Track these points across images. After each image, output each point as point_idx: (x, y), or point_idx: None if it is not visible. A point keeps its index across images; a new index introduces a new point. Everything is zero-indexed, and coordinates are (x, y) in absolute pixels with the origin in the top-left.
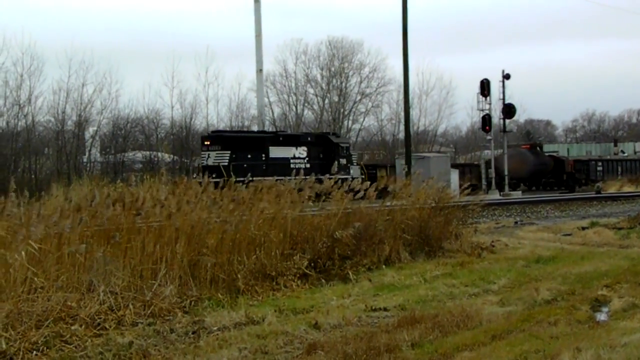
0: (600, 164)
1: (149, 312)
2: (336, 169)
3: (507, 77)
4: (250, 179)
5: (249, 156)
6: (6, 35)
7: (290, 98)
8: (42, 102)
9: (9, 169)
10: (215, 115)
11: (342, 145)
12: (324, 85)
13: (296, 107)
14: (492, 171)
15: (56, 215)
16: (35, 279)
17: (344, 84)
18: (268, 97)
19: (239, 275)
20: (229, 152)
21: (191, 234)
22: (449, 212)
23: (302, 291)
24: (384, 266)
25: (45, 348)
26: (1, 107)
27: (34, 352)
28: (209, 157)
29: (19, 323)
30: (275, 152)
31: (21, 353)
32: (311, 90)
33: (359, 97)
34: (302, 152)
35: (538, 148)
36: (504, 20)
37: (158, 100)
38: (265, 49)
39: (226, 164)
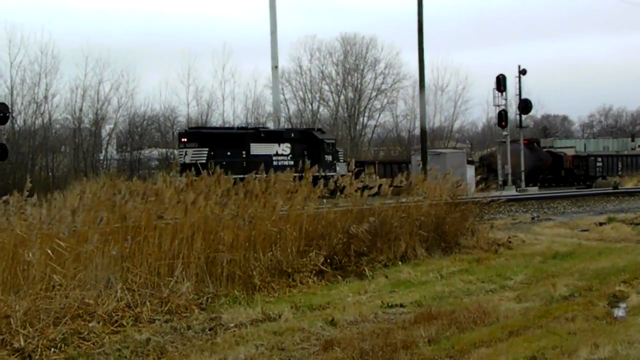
0: (599, 159)
1: (166, 309)
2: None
3: (523, 72)
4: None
5: (229, 153)
6: (23, 34)
7: (306, 95)
8: (59, 100)
9: (27, 167)
10: (232, 112)
11: (327, 141)
12: (339, 82)
13: (311, 103)
14: (509, 167)
15: (77, 213)
16: (54, 276)
17: (358, 81)
18: (283, 94)
19: (254, 272)
20: (207, 149)
21: (207, 230)
22: (465, 208)
23: (318, 288)
24: (400, 262)
25: (63, 345)
26: (18, 105)
27: (52, 349)
28: (186, 154)
29: (37, 320)
30: (257, 148)
31: (39, 350)
32: (326, 87)
33: (374, 94)
34: (285, 148)
35: (535, 144)
36: (520, 15)
37: (174, 98)
38: (280, 46)
39: (204, 161)
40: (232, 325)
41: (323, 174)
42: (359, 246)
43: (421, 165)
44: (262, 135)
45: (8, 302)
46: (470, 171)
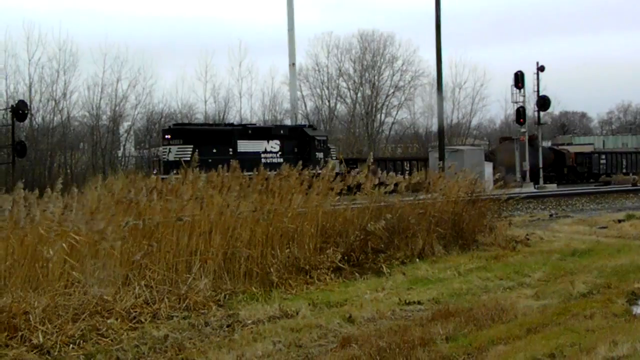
0: (603, 157)
1: (183, 305)
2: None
3: (541, 69)
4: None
5: (214, 151)
6: (42, 31)
7: (323, 92)
8: (77, 97)
9: (45, 164)
10: (249, 109)
11: (318, 138)
12: (356, 79)
13: (329, 100)
14: (527, 164)
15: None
16: (73, 273)
17: (376, 77)
18: (301, 91)
19: (272, 269)
20: (192, 146)
21: (224, 226)
22: (483, 205)
23: (336, 285)
24: (417, 260)
25: (81, 341)
26: (37, 102)
27: (71, 345)
28: (169, 151)
29: (56, 317)
30: (244, 146)
31: (58, 346)
32: (343, 84)
33: (391, 90)
34: (274, 146)
35: (535, 140)
36: (538, 11)
37: (191, 95)
38: (297, 43)
39: (188, 159)
40: (249, 321)
41: (313, 171)
42: (376, 243)
43: (439, 162)
44: (250, 132)
45: (27, 299)
46: (488, 168)
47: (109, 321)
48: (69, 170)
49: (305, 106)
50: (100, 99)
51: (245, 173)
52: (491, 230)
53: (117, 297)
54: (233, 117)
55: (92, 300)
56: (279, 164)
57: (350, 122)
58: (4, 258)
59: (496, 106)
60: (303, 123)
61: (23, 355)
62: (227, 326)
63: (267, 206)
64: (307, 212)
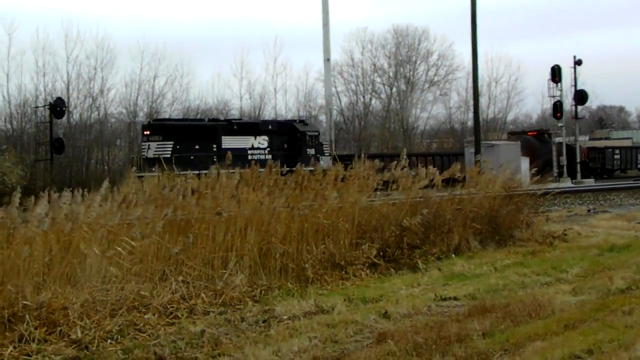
0: (617, 152)
1: (220, 301)
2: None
3: (578, 62)
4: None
5: (197, 147)
6: (80, 29)
7: (358, 87)
8: (114, 94)
9: (82, 161)
10: (284, 105)
11: (309, 133)
12: (391, 74)
13: (363, 96)
14: (564, 159)
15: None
16: (111, 268)
17: (411, 72)
18: (335, 87)
19: (307, 265)
20: (172, 142)
21: (259, 222)
22: (520, 201)
23: (371, 280)
24: (453, 255)
25: (119, 336)
26: (74, 99)
27: (108, 340)
28: (149, 148)
29: (94, 312)
30: (229, 142)
31: (96, 341)
32: (378, 79)
33: (426, 85)
34: (262, 142)
35: (546, 135)
36: (575, 4)
37: (227, 91)
38: (332, 39)
39: (168, 155)
40: (285, 317)
41: (305, 168)
42: (411, 239)
43: (474, 158)
44: (235, 127)
45: (66, 294)
46: (525, 163)
47: (146, 316)
48: (106, 167)
49: (340, 102)
50: (138, 95)
51: (231, 171)
52: (528, 226)
53: (154, 293)
54: (268, 114)
55: (129, 296)
56: (267, 160)
57: (385, 117)
58: (43, 254)
59: (532, 100)
60: (294, 118)
61: (62, 350)
62: (263, 322)
63: (302, 202)
64: (342, 207)
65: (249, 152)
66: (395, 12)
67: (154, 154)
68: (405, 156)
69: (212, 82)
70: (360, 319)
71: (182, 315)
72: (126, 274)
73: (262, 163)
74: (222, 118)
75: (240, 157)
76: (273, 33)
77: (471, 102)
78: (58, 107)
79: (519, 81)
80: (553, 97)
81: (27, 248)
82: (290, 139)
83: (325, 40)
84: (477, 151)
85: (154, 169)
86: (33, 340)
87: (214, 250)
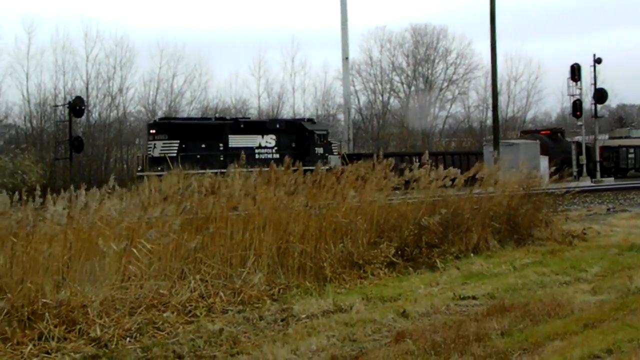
0: (632, 150)
1: (238, 299)
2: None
3: (598, 61)
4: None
5: (203, 146)
6: (99, 28)
7: (376, 86)
8: (133, 93)
9: (102, 159)
10: (302, 104)
11: (318, 132)
12: (409, 73)
13: (382, 95)
14: (584, 157)
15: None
16: (129, 266)
17: (429, 71)
18: (354, 86)
19: (325, 263)
20: (178, 141)
21: (277, 221)
22: (539, 199)
23: (390, 279)
24: (472, 254)
25: (138, 335)
26: (93, 98)
27: (127, 338)
28: (154, 147)
29: (113, 310)
30: (236, 141)
31: (115, 339)
32: (397, 78)
33: (445, 84)
34: (269, 140)
35: (559, 134)
36: (595, 3)
37: (245, 90)
38: (350, 37)
39: (174, 154)
40: (303, 316)
41: (312, 167)
42: (430, 238)
43: (494, 155)
44: (242, 126)
45: (85, 293)
46: (544, 162)
47: (165, 315)
48: (125, 166)
49: (359, 101)
50: (156, 94)
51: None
52: (547, 225)
53: (173, 291)
54: (287, 113)
55: (148, 294)
56: (275, 159)
57: (403, 117)
58: (62, 252)
59: (552, 99)
60: (303, 117)
61: (81, 348)
62: (282, 320)
63: (320, 201)
64: (361, 206)
65: (256, 151)
66: (414, 10)
67: (160, 153)
68: (427, 157)
69: (230, 82)
70: (378, 318)
71: (201, 313)
72: (145, 273)
73: (270, 162)
74: (228, 117)
75: (248, 156)
76: (291, 32)
77: (490, 101)
78: (77, 106)
79: (538, 80)
80: (572, 95)
81: (46, 246)
82: (299, 138)
83: (343, 39)
84: (496, 150)
85: (159, 168)
86: (52, 338)
87: (232, 249)
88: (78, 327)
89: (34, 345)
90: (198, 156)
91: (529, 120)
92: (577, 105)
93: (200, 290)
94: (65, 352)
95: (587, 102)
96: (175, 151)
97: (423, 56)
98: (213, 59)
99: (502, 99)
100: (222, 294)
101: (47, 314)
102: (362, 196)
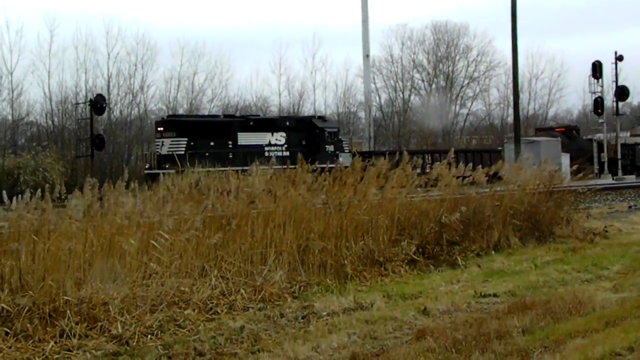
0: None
1: (259, 297)
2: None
3: (619, 58)
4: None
5: (212, 143)
6: (121, 26)
7: (397, 84)
8: (154, 90)
9: (123, 157)
10: (323, 101)
11: (328, 130)
12: (430, 70)
13: (403, 92)
14: (605, 155)
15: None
16: (151, 264)
17: (450, 69)
18: (375, 83)
19: (346, 261)
20: (186, 139)
21: (298, 218)
22: (560, 197)
23: (410, 277)
24: (493, 252)
25: (159, 332)
26: (114, 96)
27: (149, 335)
28: (162, 144)
29: (134, 307)
30: (245, 138)
31: (136, 337)
32: (417, 76)
33: (466, 82)
34: (279, 138)
35: (574, 132)
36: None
37: (266, 88)
38: (371, 35)
39: (182, 152)
40: (324, 313)
41: (323, 165)
42: (451, 235)
43: (515, 151)
44: (251, 123)
45: (106, 290)
46: (566, 159)
47: (186, 312)
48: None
49: (379, 98)
50: (177, 92)
51: (247, 167)
52: (568, 222)
53: (194, 289)
54: (308, 110)
55: (169, 292)
56: (285, 157)
57: (424, 113)
58: (83, 250)
59: (574, 97)
60: (313, 114)
61: (102, 346)
62: (302, 318)
63: (341, 199)
64: (381, 204)
65: (266, 148)
66: (434, 8)
67: (168, 151)
68: (453, 155)
69: (250, 79)
70: (399, 316)
71: (222, 311)
72: (166, 270)
73: (280, 160)
74: (237, 114)
75: (257, 153)
76: (312, 29)
77: (511, 98)
78: (98, 104)
79: (561, 77)
80: (594, 93)
81: (67, 243)
82: (309, 136)
83: (364, 37)
84: (517, 147)
85: (167, 166)
86: (74, 336)
87: (253, 247)
88: (99, 324)
89: (56, 342)
90: (207, 154)
91: (550, 117)
92: (598, 103)
93: (221, 287)
94: (86, 349)
95: (609, 100)
96: (184, 149)
97: (444, 53)
98: (234, 57)
99: (524, 97)
100: (243, 291)
101: (68, 311)
102: (383, 193)
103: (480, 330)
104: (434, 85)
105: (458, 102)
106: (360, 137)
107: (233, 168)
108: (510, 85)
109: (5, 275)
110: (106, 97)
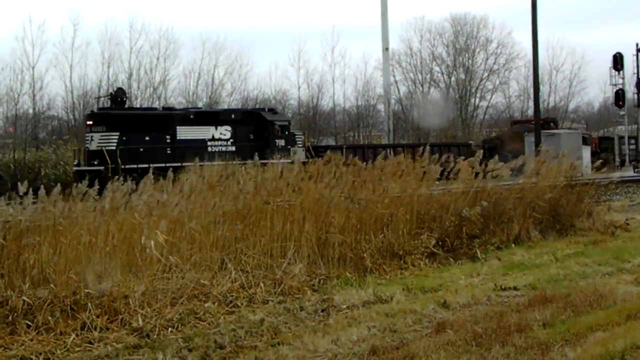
0: (633, 141)
1: (279, 290)
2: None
3: None
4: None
5: (147, 138)
6: (145, 20)
7: (416, 76)
8: (175, 84)
9: None
10: (342, 94)
11: (278, 123)
12: (449, 63)
13: (422, 85)
14: (626, 148)
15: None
16: (170, 257)
17: (470, 61)
18: (394, 76)
19: (366, 254)
20: (117, 133)
21: (317, 212)
22: (581, 190)
23: (430, 270)
24: (513, 245)
25: (179, 325)
26: (135, 89)
27: (169, 328)
28: (92, 139)
29: (155, 300)
30: (186, 132)
31: (157, 329)
32: (437, 68)
33: (486, 74)
34: (224, 132)
35: (552, 124)
36: None
37: (285, 81)
38: (390, 28)
39: (113, 148)
40: (344, 306)
41: (274, 160)
42: (470, 228)
43: (535, 142)
44: (192, 116)
45: (127, 283)
46: (587, 152)
47: (206, 305)
48: None
49: (399, 91)
50: (197, 86)
51: (186, 164)
52: (589, 215)
53: (214, 282)
54: (327, 103)
55: (189, 285)
56: (231, 152)
57: (443, 107)
58: (105, 243)
59: (595, 89)
60: (262, 107)
61: (123, 338)
62: (322, 311)
63: (361, 193)
64: (401, 197)
65: (209, 143)
66: (453, 0)
67: (97, 146)
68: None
69: (269, 72)
70: (419, 309)
71: (242, 304)
72: (186, 263)
73: (224, 155)
74: (177, 107)
75: (199, 148)
76: (331, 22)
77: (531, 91)
78: (119, 98)
79: (581, 69)
80: (615, 85)
81: (88, 236)
82: (257, 129)
83: (383, 30)
84: (537, 140)
85: (96, 163)
86: (95, 328)
87: (273, 240)
88: (120, 317)
89: (77, 335)
90: (141, 149)
91: (571, 110)
92: (619, 95)
93: (241, 280)
94: (107, 342)
95: (630, 92)
96: (115, 144)
97: (463, 46)
98: (253, 50)
99: (544, 89)
100: (262, 284)
101: (89, 304)
102: (402, 187)
103: (501, 324)
104: (453, 78)
105: (478, 94)
106: (380, 130)
107: (170, 164)
108: (530, 78)
109: (27, 268)
110: (127, 91)
